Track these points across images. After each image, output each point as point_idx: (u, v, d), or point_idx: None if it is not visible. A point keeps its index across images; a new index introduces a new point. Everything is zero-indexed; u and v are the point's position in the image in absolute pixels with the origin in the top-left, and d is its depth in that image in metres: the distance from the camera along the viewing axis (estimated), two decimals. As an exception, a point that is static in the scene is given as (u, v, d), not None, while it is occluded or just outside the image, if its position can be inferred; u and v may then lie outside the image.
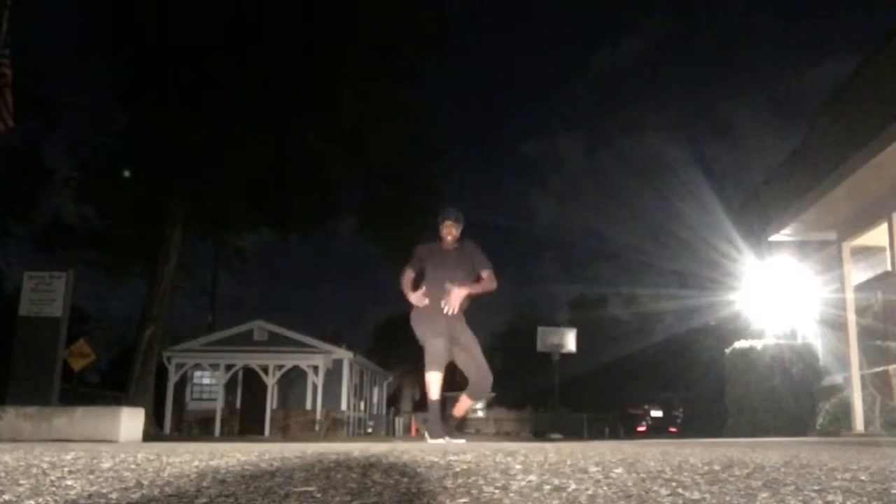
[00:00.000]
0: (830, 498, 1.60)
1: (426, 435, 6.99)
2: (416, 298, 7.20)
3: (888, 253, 11.35)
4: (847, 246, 12.95)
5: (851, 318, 12.74)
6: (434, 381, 6.90)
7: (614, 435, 30.61)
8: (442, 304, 7.02)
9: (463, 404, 7.29)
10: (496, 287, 7.22)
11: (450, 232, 7.26)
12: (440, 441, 6.43)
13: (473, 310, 7.26)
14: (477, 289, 7.17)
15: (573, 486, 1.74)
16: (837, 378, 14.11)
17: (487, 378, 7.09)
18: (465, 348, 7.08)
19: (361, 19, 19.30)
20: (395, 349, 48.78)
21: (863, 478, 1.90)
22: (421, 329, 7.17)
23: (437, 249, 7.38)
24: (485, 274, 7.19)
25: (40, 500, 1.60)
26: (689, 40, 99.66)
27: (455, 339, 7.05)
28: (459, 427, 7.60)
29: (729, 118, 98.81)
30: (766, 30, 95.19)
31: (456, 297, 6.98)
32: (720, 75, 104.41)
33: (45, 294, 14.60)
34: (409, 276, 7.30)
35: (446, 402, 7.17)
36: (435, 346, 6.94)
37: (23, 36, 12.86)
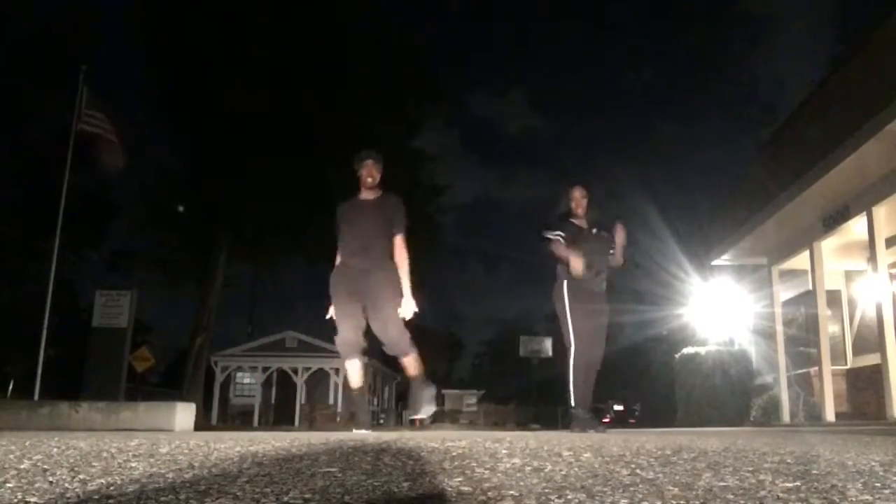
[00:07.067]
0: (762, 477, 1.60)
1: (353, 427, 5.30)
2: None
3: (809, 275, 11.37)
4: (776, 269, 12.96)
5: (779, 328, 12.74)
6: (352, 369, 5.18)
7: (584, 425, 30.35)
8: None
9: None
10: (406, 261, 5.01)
11: (370, 173, 5.13)
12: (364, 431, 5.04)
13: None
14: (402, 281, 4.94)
15: (550, 468, 1.74)
16: (768, 378, 14.09)
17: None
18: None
19: (374, 83, 19.44)
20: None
21: (789, 461, 1.90)
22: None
23: (355, 204, 5.18)
24: (397, 239, 5.00)
25: (109, 479, 1.60)
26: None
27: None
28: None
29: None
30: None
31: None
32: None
33: (114, 309, 14.62)
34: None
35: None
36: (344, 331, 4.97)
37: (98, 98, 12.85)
